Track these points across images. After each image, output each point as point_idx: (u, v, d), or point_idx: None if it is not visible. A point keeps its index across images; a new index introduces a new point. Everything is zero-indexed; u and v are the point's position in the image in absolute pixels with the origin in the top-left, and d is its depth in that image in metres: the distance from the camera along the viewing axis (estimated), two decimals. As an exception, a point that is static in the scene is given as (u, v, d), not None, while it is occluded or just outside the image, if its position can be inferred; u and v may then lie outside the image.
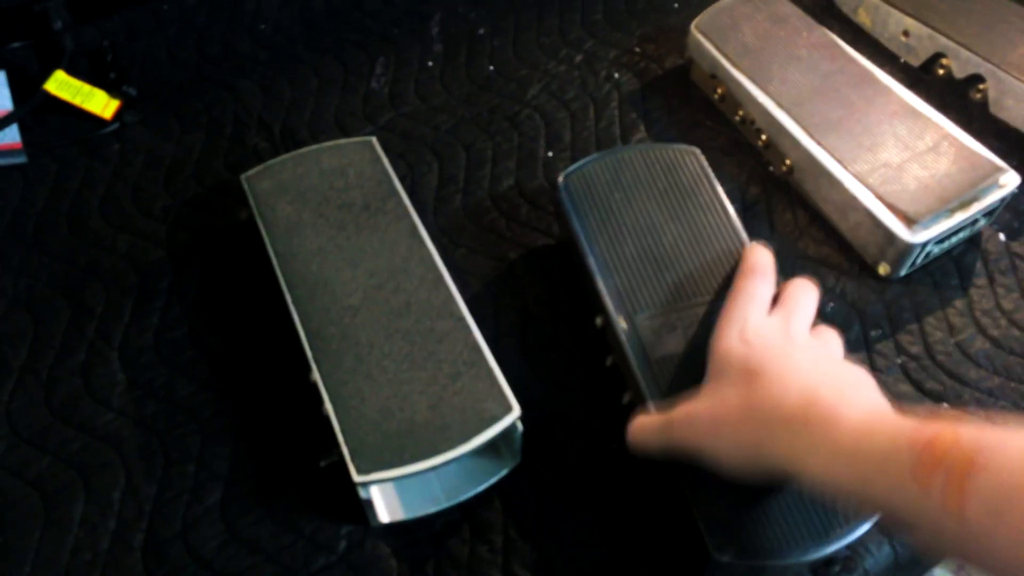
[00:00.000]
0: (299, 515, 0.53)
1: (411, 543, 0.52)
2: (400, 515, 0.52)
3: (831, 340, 0.51)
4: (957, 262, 0.65)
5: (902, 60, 0.77)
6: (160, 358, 0.59)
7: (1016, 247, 0.65)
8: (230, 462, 0.55)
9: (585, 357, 0.59)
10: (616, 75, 0.77)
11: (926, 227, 0.60)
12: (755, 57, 0.71)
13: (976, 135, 0.66)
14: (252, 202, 0.60)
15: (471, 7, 0.83)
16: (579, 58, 0.79)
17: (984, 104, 0.71)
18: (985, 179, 0.61)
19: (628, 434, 0.50)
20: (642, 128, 0.73)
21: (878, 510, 0.43)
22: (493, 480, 0.53)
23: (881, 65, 0.76)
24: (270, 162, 0.62)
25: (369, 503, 0.50)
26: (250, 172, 0.62)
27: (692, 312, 0.54)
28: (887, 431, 0.40)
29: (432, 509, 0.52)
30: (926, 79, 0.75)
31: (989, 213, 0.63)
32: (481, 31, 0.81)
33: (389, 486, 0.52)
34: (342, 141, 0.63)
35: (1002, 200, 0.62)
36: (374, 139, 0.64)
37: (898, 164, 0.62)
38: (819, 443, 0.41)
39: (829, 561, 0.51)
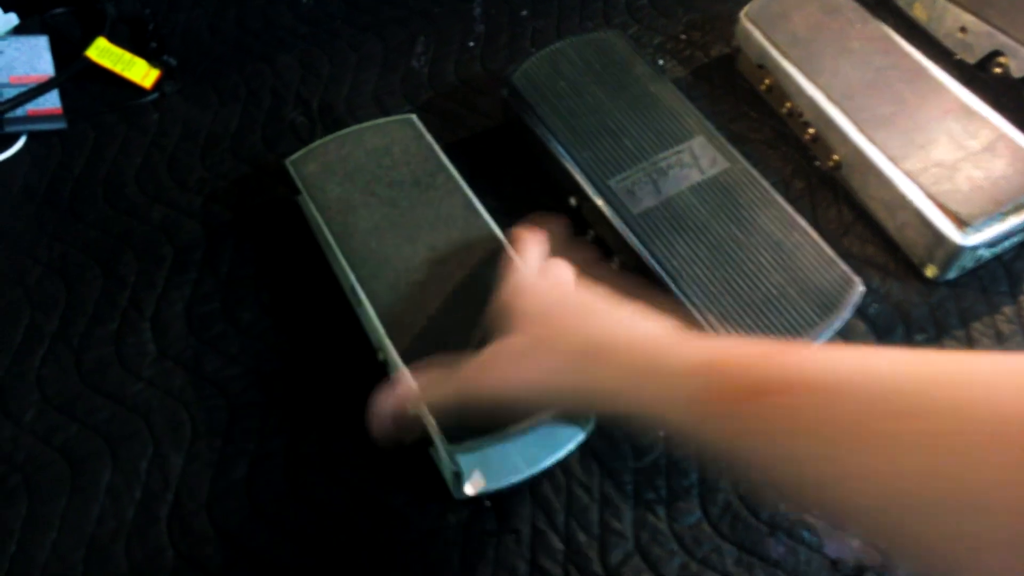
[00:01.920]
0: (323, 493, 0.52)
1: (440, 526, 0.51)
2: (484, 486, 0.50)
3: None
4: (1007, 267, 0.63)
5: (957, 57, 0.74)
6: (191, 330, 0.59)
7: (1070, 254, 0.63)
8: (258, 438, 0.54)
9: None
10: (661, 61, 0.76)
11: (978, 230, 0.58)
12: (805, 48, 0.69)
13: None
14: (300, 185, 0.60)
15: (515, -12, 0.82)
16: (624, 43, 0.77)
17: (1040, 105, 0.69)
18: (1042, 182, 0.59)
19: (407, 395, 0.48)
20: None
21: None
22: (571, 447, 0.52)
23: (936, 61, 0.74)
24: (313, 144, 0.61)
25: (457, 475, 0.49)
26: (294, 156, 0.61)
27: (655, 166, 0.59)
28: (690, 353, 0.38)
29: (515, 479, 0.51)
30: (981, 77, 0.72)
31: (1044, 218, 0.61)
32: (524, 13, 0.80)
33: (473, 458, 0.51)
34: (382, 120, 0.63)
35: (1059, 205, 0.59)
36: (415, 116, 0.63)
37: (951, 163, 0.60)
38: (614, 367, 0.40)
39: (862, 568, 0.50)
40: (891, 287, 0.62)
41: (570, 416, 0.53)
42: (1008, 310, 0.61)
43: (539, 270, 0.50)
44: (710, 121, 0.64)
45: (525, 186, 0.67)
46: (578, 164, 0.61)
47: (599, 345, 0.41)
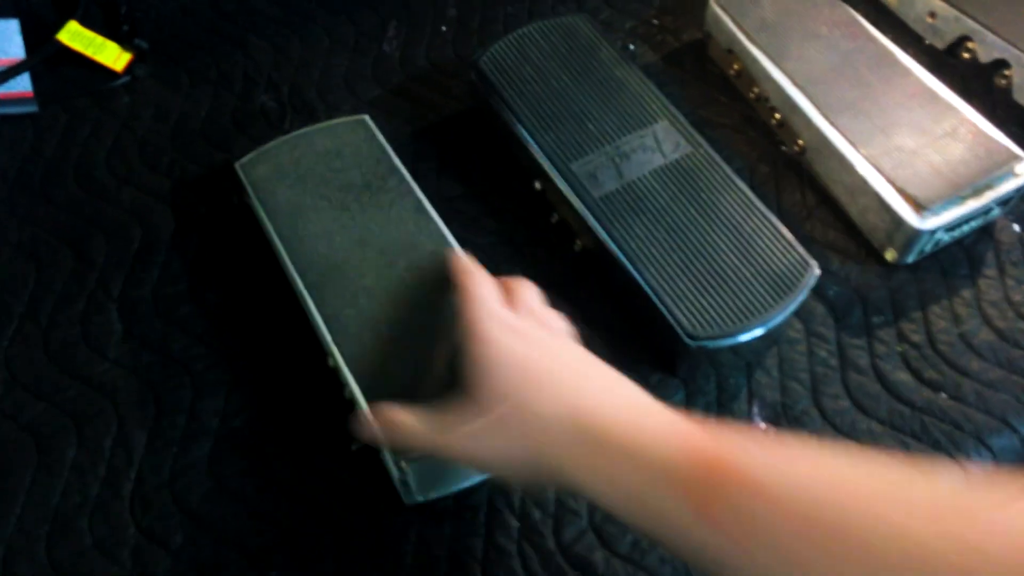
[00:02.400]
0: (285, 473, 0.53)
1: (398, 505, 0.52)
2: (433, 492, 0.51)
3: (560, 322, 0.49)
4: (968, 251, 0.63)
5: (927, 42, 0.75)
6: (157, 311, 0.60)
7: (1030, 238, 0.64)
8: (220, 416, 0.55)
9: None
10: (632, 46, 0.76)
11: (936, 214, 0.59)
12: (773, 33, 0.69)
13: (999, 122, 0.65)
14: (250, 189, 0.59)
15: (488, -28, 0.82)
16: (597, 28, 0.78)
17: (1008, 90, 0.69)
18: (1000, 167, 0.59)
19: (380, 430, 0.47)
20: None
21: (649, 531, 0.40)
22: None
23: (905, 46, 0.74)
24: (263, 147, 0.61)
25: (406, 481, 0.49)
26: (244, 159, 0.61)
27: (618, 150, 0.61)
28: (658, 446, 0.38)
29: (465, 483, 0.52)
30: (950, 63, 0.73)
31: (1004, 202, 0.61)
32: (497, -3, 0.80)
33: (419, 464, 0.52)
34: (334, 121, 0.63)
35: (1018, 190, 0.60)
36: (367, 117, 0.63)
37: (912, 148, 0.61)
38: (592, 463, 0.40)
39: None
40: (851, 270, 0.62)
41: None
42: (967, 293, 0.61)
43: (504, 293, 0.48)
44: (679, 106, 0.64)
45: (493, 170, 0.67)
46: (541, 148, 0.61)
47: (575, 431, 0.40)
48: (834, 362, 0.58)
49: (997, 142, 0.61)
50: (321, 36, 0.77)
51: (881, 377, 0.57)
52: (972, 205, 0.59)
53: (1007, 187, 0.59)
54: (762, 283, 0.55)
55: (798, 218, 0.65)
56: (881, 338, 0.59)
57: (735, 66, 0.72)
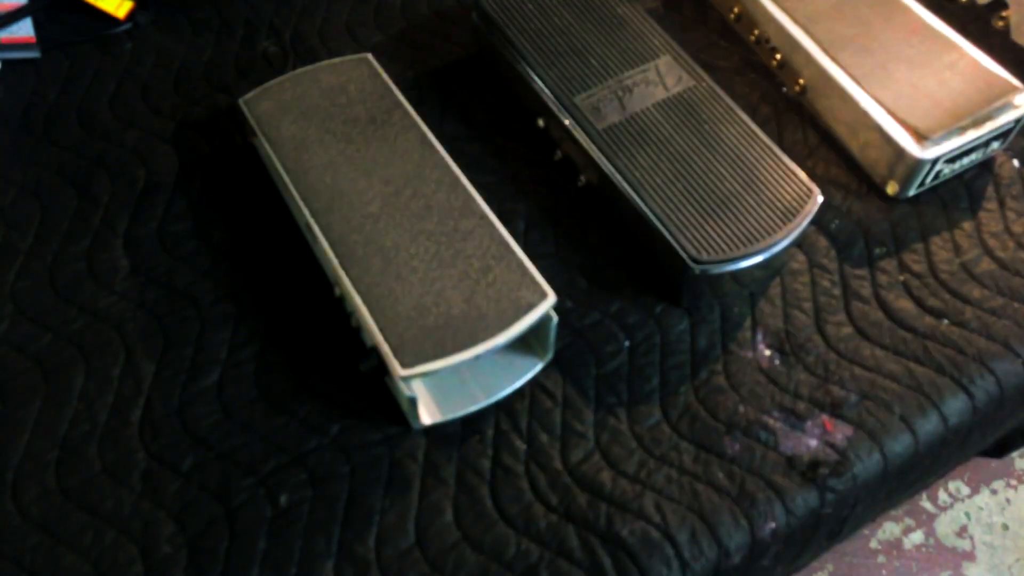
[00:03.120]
0: (293, 400, 0.53)
1: (406, 428, 0.52)
2: (440, 416, 0.52)
3: None
4: (968, 185, 0.64)
5: (926, -14, 0.75)
6: (163, 247, 0.60)
7: (1030, 173, 0.64)
8: (228, 347, 0.55)
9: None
10: (632, -7, 0.76)
11: (937, 143, 0.59)
12: (773, -26, 0.69)
13: (997, 62, 0.65)
14: (254, 124, 0.60)
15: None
16: (595, -24, 0.78)
17: (1007, 31, 0.70)
18: (999, 98, 0.60)
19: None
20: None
21: None
22: (529, 375, 0.54)
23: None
24: (267, 84, 0.62)
25: (414, 401, 0.50)
26: (248, 95, 0.61)
27: (621, 83, 0.61)
28: None
29: (471, 408, 0.52)
30: (948, 6, 0.73)
31: (1003, 135, 0.62)
32: (497, -53, 0.80)
33: (426, 386, 0.52)
34: (338, 60, 0.63)
35: (1017, 122, 0.60)
36: (370, 55, 0.63)
37: (912, 82, 0.61)
38: None
39: (816, 463, 0.51)
40: (853, 204, 0.63)
41: (528, 345, 0.54)
42: (967, 225, 0.62)
43: None
44: (684, 50, 0.65)
45: (495, 111, 0.68)
46: (544, 83, 0.61)
47: None
48: (837, 292, 0.58)
49: (996, 74, 0.61)
50: (322, -15, 0.77)
51: (884, 305, 0.58)
52: (972, 135, 0.59)
53: (1006, 118, 0.60)
54: (765, 210, 0.55)
55: (800, 156, 0.65)
56: (883, 268, 0.59)
57: (735, 9, 0.72)
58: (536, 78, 0.62)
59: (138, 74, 0.70)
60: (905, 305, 0.58)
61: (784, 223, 0.55)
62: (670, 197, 0.56)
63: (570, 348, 0.56)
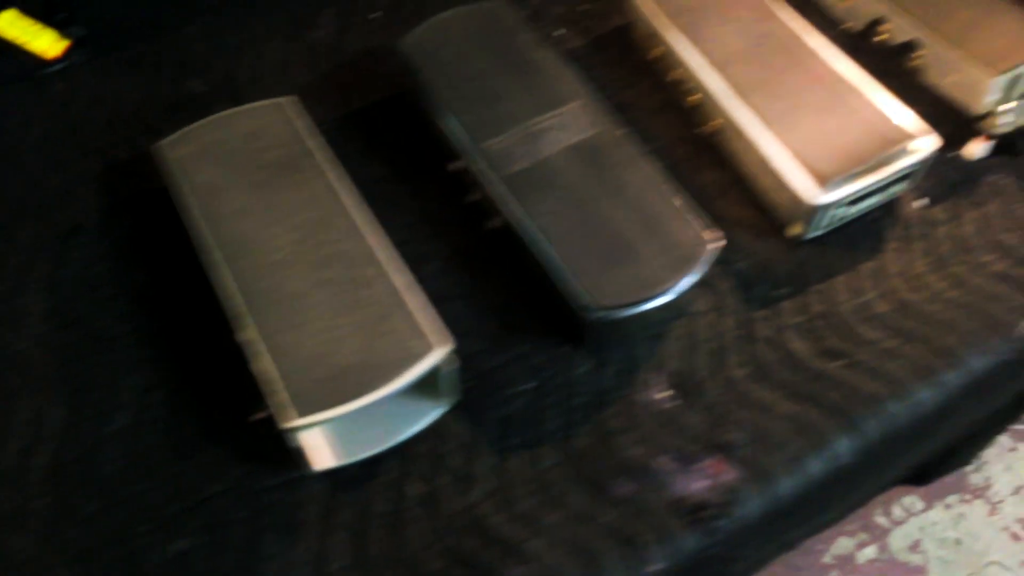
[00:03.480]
0: (199, 444, 0.55)
1: (305, 475, 0.54)
2: (339, 460, 0.53)
3: None
4: (872, 226, 0.65)
5: (844, 25, 0.77)
6: (82, 291, 0.61)
7: (934, 214, 0.66)
8: (139, 391, 0.57)
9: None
10: (563, 30, 0.78)
11: (834, 189, 0.61)
12: (691, 17, 0.71)
13: (910, 102, 0.67)
14: (168, 169, 0.61)
15: (422, -40, 0.84)
16: (525, 13, 0.79)
17: (919, 71, 0.71)
18: (896, 144, 0.61)
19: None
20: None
21: None
22: (432, 419, 0.55)
23: (824, 30, 0.76)
24: (185, 128, 0.63)
25: (299, 452, 0.51)
26: (163, 141, 0.63)
27: (531, 129, 0.62)
28: None
29: (372, 451, 0.54)
30: (865, 45, 0.75)
31: (904, 178, 0.63)
32: (428, -15, 0.82)
33: (324, 430, 0.54)
34: (257, 104, 0.64)
35: (915, 166, 0.62)
36: (285, 100, 0.65)
37: (813, 127, 0.63)
38: None
39: (703, 505, 0.53)
40: (760, 245, 0.64)
41: (432, 388, 0.55)
42: (869, 266, 0.63)
43: None
44: (602, 89, 0.66)
45: (418, 152, 0.69)
46: (455, 128, 0.63)
47: None
48: (737, 333, 0.60)
49: (894, 121, 0.63)
50: (255, 23, 0.79)
51: (782, 346, 0.59)
52: (868, 180, 0.61)
53: (903, 163, 0.62)
54: (664, 256, 0.57)
55: (712, 196, 0.67)
56: (784, 309, 0.61)
57: (656, 50, 0.74)
58: (448, 122, 0.64)
59: (68, 115, 0.72)
60: (802, 346, 0.59)
61: (682, 269, 0.57)
62: (572, 243, 0.57)
63: (476, 390, 0.57)
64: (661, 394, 0.58)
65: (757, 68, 0.67)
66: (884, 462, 0.59)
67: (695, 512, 0.53)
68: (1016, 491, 1.34)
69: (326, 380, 0.50)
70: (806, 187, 0.61)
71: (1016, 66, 0.65)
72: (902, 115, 0.63)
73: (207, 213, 0.58)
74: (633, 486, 0.54)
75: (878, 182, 0.61)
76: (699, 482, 0.54)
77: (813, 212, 0.61)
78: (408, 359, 0.51)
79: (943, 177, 0.68)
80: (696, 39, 0.70)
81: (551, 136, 0.62)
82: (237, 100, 0.72)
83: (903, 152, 0.62)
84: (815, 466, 0.55)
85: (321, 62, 0.76)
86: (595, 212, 0.59)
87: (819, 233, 0.64)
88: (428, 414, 0.56)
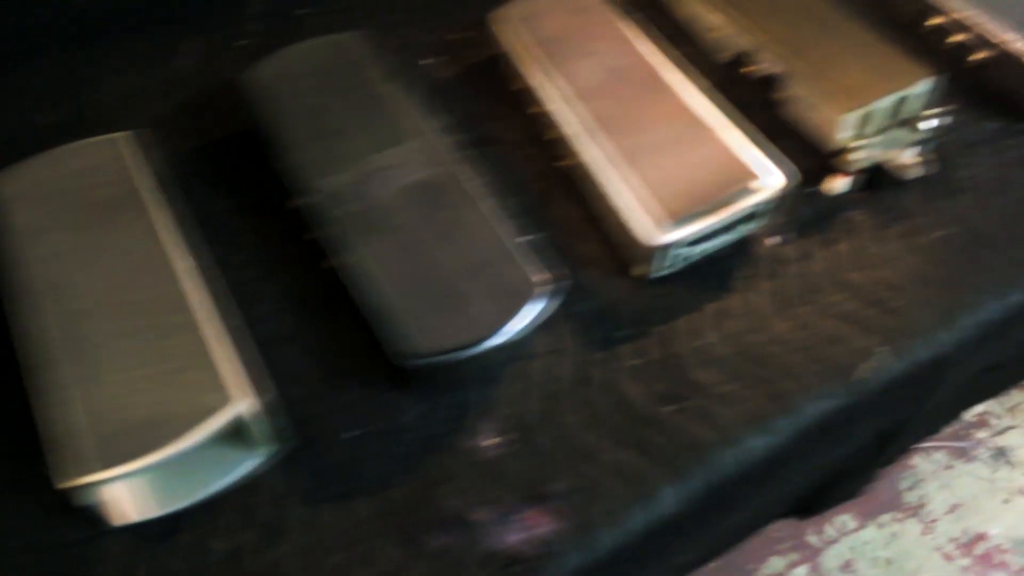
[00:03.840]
0: None
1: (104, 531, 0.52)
2: (141, 515, 0.51)
3: None
4: (723, 265, 0.64)
5: (714, 56, 0.76)
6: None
7: (785, 252, 0.65)
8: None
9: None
10: (426, 62, 0.77)
11: (673, 230, 0.60)
12: (548, 51, 0.70)
13: (775, 136, 0.66)
14: None
15: (295, -13, 0.82)
16: (394, 43, 0.78)
17: (783, 105, 0.71)
18: (736, 184, 0.60)
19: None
20: (443, 117, 0.73)
21: None
22: (243, 472, 0.54)
23: (694, 60, 0.76)
24: (18, 164, 0.61)
25: (90, 508, 0.49)
26: None
27: (369, 167, 0.61)
28: None
29: (178, 506, 0.52)
30: (733, 76, 0.74)
31: (752, 217, 0.62)
32: (301, 12, 0.81)
33: (127, 484, 0.52)
34: (90, 140, 0.63)
35: (758, 206, 0.61)
36: (121, 136, 0.63)
37: (658, 166, 0.62)
38: None
39: (515, 558, 0.52)
40: (605, 285, 0.63)
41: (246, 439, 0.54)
42: (713, 306, 0.62)
43: None
44: (466, 120, 0.65)
45: (264, 188, 0.68)
46: (292, 166, 0.62)
47: None
48: (571, 377, 0.59)
49: (740, 159, 0.62)
50: (113, 53, 0.77)
51: (614, 390, 0.58)
52: (710, 221, 0.60)
53: (747, 203, 0.61)
54: (489, 301, 0.56)
55: (564, 234, 0.66)
56: (620, 353, 0.60)
57: (519, 82, 0.73)
58: (285, 160, 0.62)
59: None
60: (634, 390, 0.58)
61: (507, 313, 0.55)
62: (395, 286, 0.56)
63: (297, 438, 0.56)
64: (488, 441, 0.56)
65: (609, 104, 0.66)
66: (716, 509, 0.58)
67: (507, 567, 0.51)
68: (951, 510, 1.34)
69: (109, 437, 0.48)
70: (645, 227, 0.60)
71: (866, 104, 0.64)
72: (750, 154, 0.62)
73: (21, 256, 0.57)
74: (448, 539, 0.52)
75: (719, 223, 0.60)
76: (515, 535, 0.52)
77: (652, 253, 0.60)
78: (201, 415, 0.49)
79: (799, 214, 0.67)
80: (551, 73, 0.69)
81: (388, 175, 0.61)
82: (86, 133, 0.70)
83: (747, 192, 0.61)
84: (637, 517, 0.54)
85: (177, 93, 0.74)
86: (425, 254, 0.58)
87: (665, 273, 0.63)
88: (241, 466, 0.54)
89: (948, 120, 0.71)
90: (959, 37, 0.73)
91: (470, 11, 0.80)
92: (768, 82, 0.71)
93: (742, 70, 0.73)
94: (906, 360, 0.59)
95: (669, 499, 0.54)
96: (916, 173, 0.65)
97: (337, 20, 0.80)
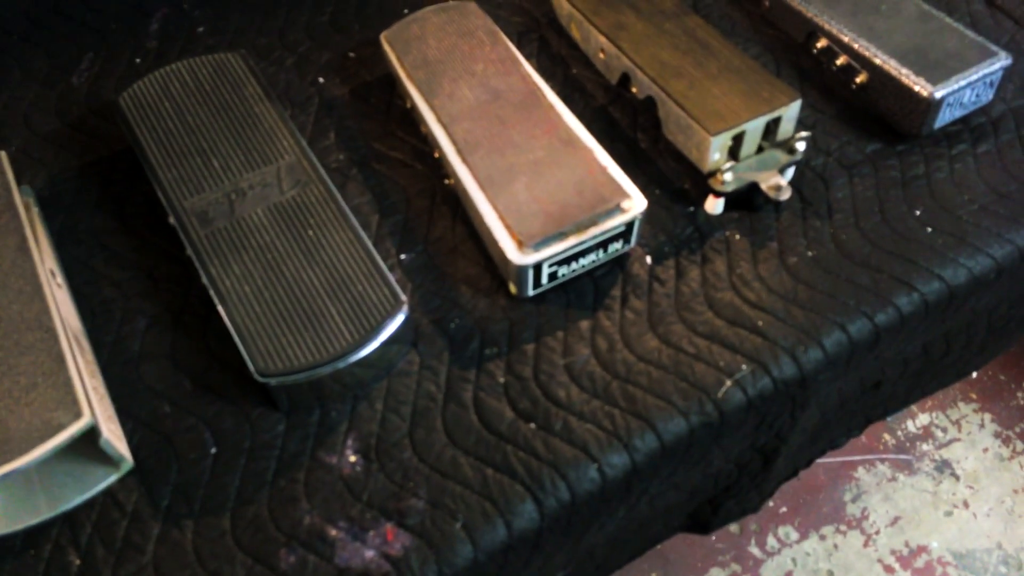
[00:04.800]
0: None
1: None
2: None
3: None
4: (598, 283, 0.65)
5: (605, 77, 0.77)
6: None
7: (660, 271, 0.66)
8: None
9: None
10: (321, 79, 0.78)
11: (537, 249, 0.61)
12: (431, 70, 0.71)
13: (657, 156, 0.68)
14: None
15: (197, 5, 0.83)
16: (290, 60, 0.79)
17: (663, 125, 0.72)
18: (605, 203, 0.61)
19: None
20: (332, 135, 0.74)
21: None
22: (100, 487, 0.54)
23: (586, 81, 0.77)
24: None
25: None
26: None
27: (236, 186, 0.62)
28: None
29: (33, 521, 0.52)
30: (622, 97, 0.76)
31: (620, 237, 0.63)
32: (201, 29, 0.81)
33: None
34: None
35: (622, 226, 0.62)
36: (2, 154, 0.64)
37: (527, 185, 0.63)
38: None
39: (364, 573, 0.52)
40: (479, 303, 0.64)
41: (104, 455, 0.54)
42: (584, 324, 0.63)
43: None
44: (355, 139, 0.66)
45: (144, 207, 0.68)
46: (162, 184, 0.62)
47: None
48: (439, 394, 0.60)
49: (606, 180, 0.63)
50: (13, 68, 0.77)
51: (478, 408, 0.59)
52: (574, 240, 0.61)
53: (612, 223, 0.62)
54: (348, 319, 0.56)
55: (442, 251, 0.67)
56: (489, 370, 0.61)
57: (408, 101, 0.73)
58: (156, 178, 0.63)
59: None
60: (499, 408, 0.59)
61: (365, 332, 0.56)
62: (253, 306, 0.57)
63: (156, 455, 0.56)
64: (348, 458, 0.57)
65: (485, 125, 0.67)
66: (579, 526, 0.59)
67: (356, 583, 0.52)
68: (893, 522, 1.35)
69: (-52, 455, 0.49)
70: (509, 248, 0.61)
71: (735, 126, 0.65)
72: (613, 175, 0.63)
73: None
74: (298, 557, 0.53)
75: (583, 243, 0.61)
76: (368, 552, 0.53)
77: (519, 273, 0.61)
78: (50, 430, 0.50)
79: (677, 233, 0.68)
80: (430, 93, 0.69)
81: (256, 194, 0.62)
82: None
83: (612, 212, 0.62)
84: (496, 533, 0.54)
85: (72, 109, 0.75)
86: (284, 274, 0.58)
87: (541, 290, 0.64)
88: (99, 482, 0.54)
89: (811, 141, 0.72)
90: (843, 59, 0.75)
91: (371, 30, 0.81)
92: (646, 105, 0.72)
93: (627, 91, 0.74)
94: (770, 379, 0.61)
95: (529, 516, 0.55)
96: (788, 194, 0.66)
97: (237, 38, 0.81)
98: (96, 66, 0.78)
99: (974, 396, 1.54)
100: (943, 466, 1.45)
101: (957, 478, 1.43)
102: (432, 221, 0.69)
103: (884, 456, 1.48)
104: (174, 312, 0.63)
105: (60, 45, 0.79)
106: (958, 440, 1.48)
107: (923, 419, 1.51)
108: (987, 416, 1.50)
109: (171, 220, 0.64)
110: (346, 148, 0.73)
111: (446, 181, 0.70)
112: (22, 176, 0.70)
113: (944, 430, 1.50)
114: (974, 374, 1.56)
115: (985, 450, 1.45)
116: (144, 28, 0.81)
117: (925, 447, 1.47)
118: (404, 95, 0.73)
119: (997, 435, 1.47)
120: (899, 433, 1.50)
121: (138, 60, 0.78)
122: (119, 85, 0.77)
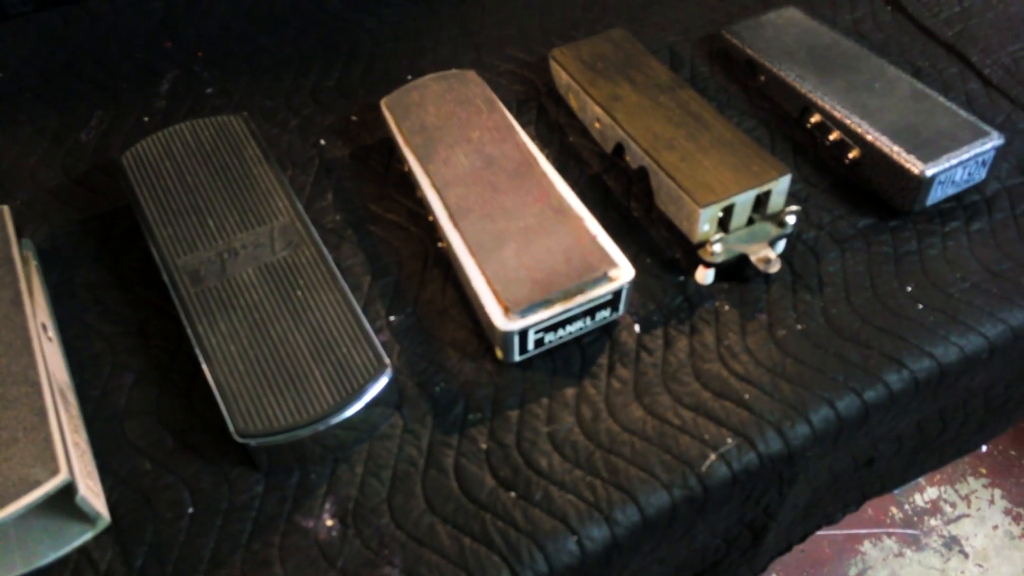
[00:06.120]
0: None
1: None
2: None
3: None
4: (585, 350, 0.65)
5: (600, 146, 0.78)
6: None
7: (648, 340, 0.66)
8: None
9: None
10: (323, 141, 0.79)
11: (522, 316, 0.61)
12: (427, 136, 0.72)
13: (648, 225, 0.68)
14: None
15: (207, 67, 0.85)
16: (294, 123, 0.81)
17: (655, 196, 0.73)
18: (592, 271, 0.62)
19: None
20: (330, 195, 0.75)
21: None
22: (75, 544, 0.54)
23: (582, 149, 0.78)
24: None
25: None
26: None
27: (229, 246, 0.62)
28: None
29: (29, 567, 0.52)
30: (616, 167, 0.77)
31: (607, 305, 0.64)
32: (209, 91, 0.83)
33: None
34: None
35: (609, 294, 0.62)
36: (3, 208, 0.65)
37: (516, 252, 0.64)
38: None
39: (332, 647, 0.51)
40: (465, 367, 0.64)
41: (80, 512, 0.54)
42: (570, 392, 0.63)
43: None
44: (353, 199, 0.67)
45: (139, 263, 0.69)
46: (157, 241, 0.63)
47: None
48: (420, 459, 0.59)
49: (597, 247, 0.63)
50: (24, 124, 0.80)
51: (459, 475, 0.59)
52: (560, 308, 0.61)
53: (599, 291, 0.62)
54: (331, 380, 0.57)
55: (431, 314, 0.67)
56: (472, 435, 0.60)
57: (404, 165, 0.75)
58: (151, 236, 0.64)
59: None
60: (479, 475, 0.59)
61: (347, 394, 0.56)
62: (237, 365, 0.57)
63: (133, 513, 0.56)
64: (325, 523, 0.56)
65: (478, 191, 0.68)
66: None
67: (323, 653, 0.51)
68: None
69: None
70: (495, 314, 0.61)
71: (724, 198, 0.66)
72: (606, 243, 0.64)
73: None
74: (268, 622, 0.52)
75: (569, 311, 0.61)
76: (337, 618, 0.52)
77: (504, 339, 0.61)
78: (26, 486, 0.50)
79: (667, 302, 0.68)
80: (425, 159, 0.70)
81: (248, 254, 0.63)
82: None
83: (599, 281, 0.62)
84: (466, 605, 0.53)
85: (79, 165, 0.76)
86: (270, 335, 0.59)
87: (528, 356, 0.64)
88: (74, 539, 0.54)
89: (803, 214, 0.73)
90: (836, 135, 0.76)
91: (374, 94, 0.83)
92: (639, 175, 0.73)
93: (622, 161, 0.76)
94: (755, 453, 0.60)
95: (501, 587, 0.54)
96: (777, 267, 0.66)
97: (245, 100, 0.83)
98: (105, 123, 0.80)
99: (984, 471, 1.50)
100: (951, 543, 1.41)
101: (966, 556, 1.39)
102: (423, 283, 0.69)
103: (891, 530, 1.45)
104: (161, 368, 0.63)
105: (71, 103, 0.82)
106: (967, 516, 1.45)
107: (931, 493, 1.48)
108: (997, 492, 1.47)
109: (164, 277, 0.65)
110: (343, 209, 0.74)
111: (439, 244, 0.71)
112: (24, 229, 0.72)
113: (953, 505, 1.47)
114: (983, 448, 1.53)
115: (995, 527, 1.42)
116: (154, 87, 0.83)
117: (933, 522, 1.44)
118: (402, 159, 0.75)
119: (1007, 512, 1.43)
120: (907, 507, 1.46)
121: (146, 119, 0.81)
122: (126, 142, 0.78)
